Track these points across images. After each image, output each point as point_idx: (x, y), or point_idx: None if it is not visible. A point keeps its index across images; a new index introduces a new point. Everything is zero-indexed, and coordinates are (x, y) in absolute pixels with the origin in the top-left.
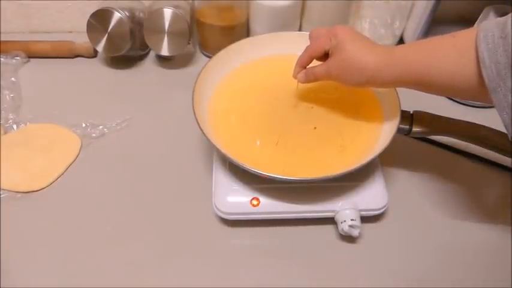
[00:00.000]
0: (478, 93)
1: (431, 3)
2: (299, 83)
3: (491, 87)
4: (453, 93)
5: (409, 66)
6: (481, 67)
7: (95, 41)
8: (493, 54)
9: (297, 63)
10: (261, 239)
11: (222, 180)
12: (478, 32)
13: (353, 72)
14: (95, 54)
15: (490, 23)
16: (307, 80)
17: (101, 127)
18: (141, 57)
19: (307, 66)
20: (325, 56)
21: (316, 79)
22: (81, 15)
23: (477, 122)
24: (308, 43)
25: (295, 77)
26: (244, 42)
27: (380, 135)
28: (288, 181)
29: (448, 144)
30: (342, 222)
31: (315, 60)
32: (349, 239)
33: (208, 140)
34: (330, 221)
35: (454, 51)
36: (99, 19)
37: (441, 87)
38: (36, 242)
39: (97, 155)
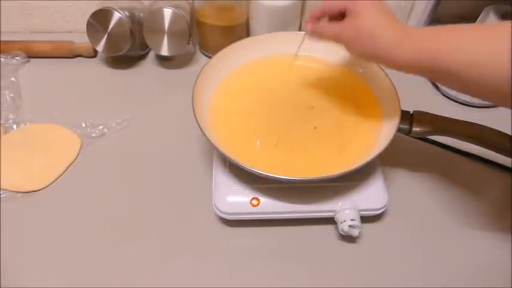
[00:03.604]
0: (504, 92)
1: (431, 3)
2: (297, 54)
3: None
4: (474, 88)
5: (427, 49)
6: None
7: (94, 41)
8: None
9: (309, 14)
10: (261, 239)
11: (222, 180)
12: None
13: (365, 42)
14: (94, 54)
15: None
16: (313, 34)
17: (101, 127)
18: (141, 57)
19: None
20: (337, 16)
21: (322, 37)
22: (81, 15)
23: (477, 122)
24: (308, 43)
25: (304, 27)
26: (244, 42)
27: (380, 135)
28: (288, 181)
29: (448, 144)
30: (342, 222)
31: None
32: (349, 239)
33: (208, 140)
34: (330, 221)
35: (485, 38)
36: (99, 19)
37: (462, 79)
38: (36, 242)
39: (97, 155)
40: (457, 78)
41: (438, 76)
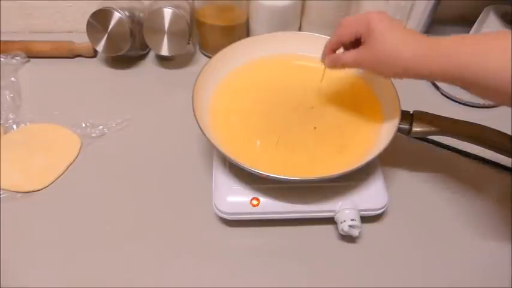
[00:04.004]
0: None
1: (431, 3)
2: (322, 80)
3: None
4: (500, 96)
5: (449, 59)
6: None
7: (94, 41)
8: None
9: (325, 47)
10: (261, 239)
11: (222, 180)
12: None
13: (387, 63)
14: (94, 54)
15: None
16: (334, 66)
17: (101, 127)
18: (141, 57)
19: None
20: (353, 43)
21: (343, 67)
22: (81, 15)
23: (477, 122)
24: (308, 43)
25: (322, 61)
26: (244, 42)
27: (380, 135)
28: (288, 181)
29: (448, 144)
30: (341, 222)
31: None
32: (349, 239)
33: (208, 140)
34: (330, 221)
35: (504, 47)
36: (99, 19)
37: (484, 87)
38: (36, 242)
39: (97, 155)
40: (479, 86)
41: (462, 85)
